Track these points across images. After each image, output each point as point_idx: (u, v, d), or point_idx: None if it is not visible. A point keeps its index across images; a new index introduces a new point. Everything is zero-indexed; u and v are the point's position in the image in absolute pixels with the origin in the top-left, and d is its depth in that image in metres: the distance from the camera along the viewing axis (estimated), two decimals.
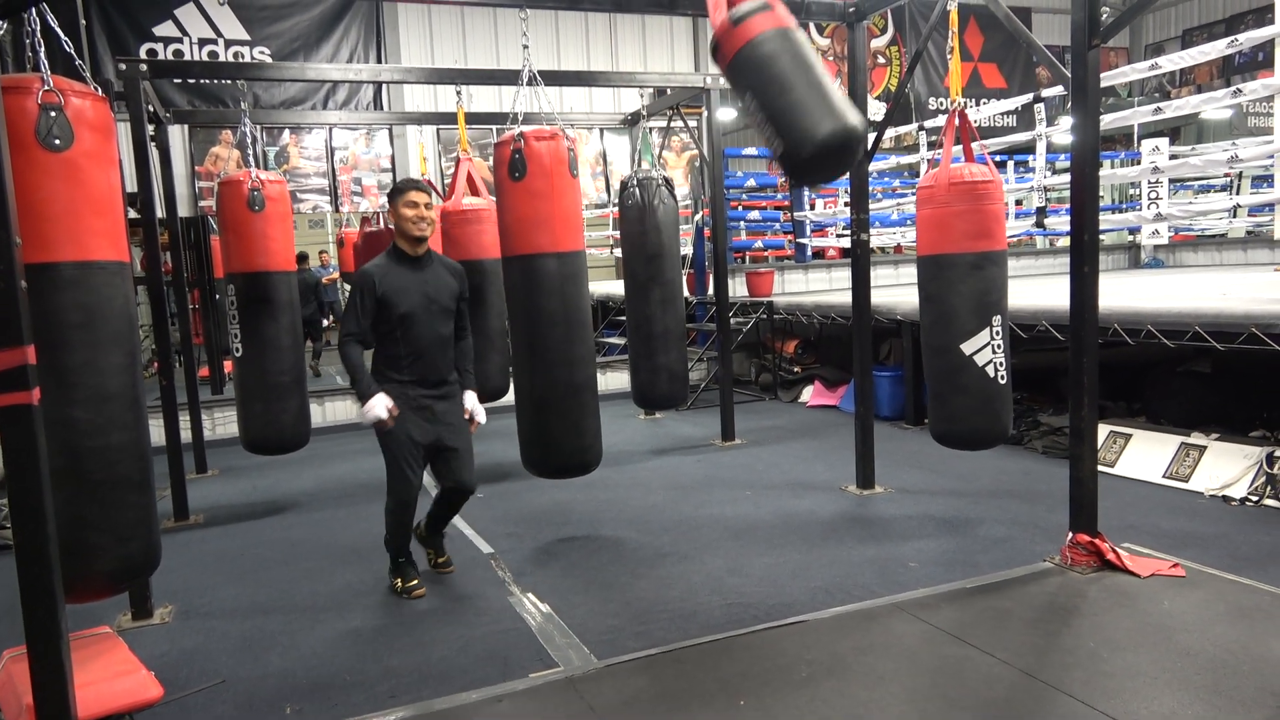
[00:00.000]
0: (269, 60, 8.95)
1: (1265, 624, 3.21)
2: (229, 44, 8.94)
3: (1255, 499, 4.67)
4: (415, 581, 4.03)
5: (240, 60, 8.85)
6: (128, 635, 3.64)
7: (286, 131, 9.18)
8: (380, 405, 3.75)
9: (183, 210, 8.23)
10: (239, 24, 8.96)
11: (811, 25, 12.57)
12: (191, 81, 8.72)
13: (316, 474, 6.59)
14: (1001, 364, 4.17)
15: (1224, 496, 4.79)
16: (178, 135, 8.65)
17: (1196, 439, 5.21)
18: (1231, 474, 4.86)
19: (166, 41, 8.73)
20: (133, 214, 5.70)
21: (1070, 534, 3.90)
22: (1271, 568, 3.78)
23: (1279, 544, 4.10)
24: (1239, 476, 4.82)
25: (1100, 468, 4.29)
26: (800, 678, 3.00)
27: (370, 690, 3.14)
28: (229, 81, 7.85)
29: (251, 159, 5.54)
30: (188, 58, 8.72)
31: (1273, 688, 2.77)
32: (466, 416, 4.04)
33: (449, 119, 6.74)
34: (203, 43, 8.83)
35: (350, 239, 9.61)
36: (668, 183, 6.26)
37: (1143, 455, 5.38)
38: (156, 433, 5.33)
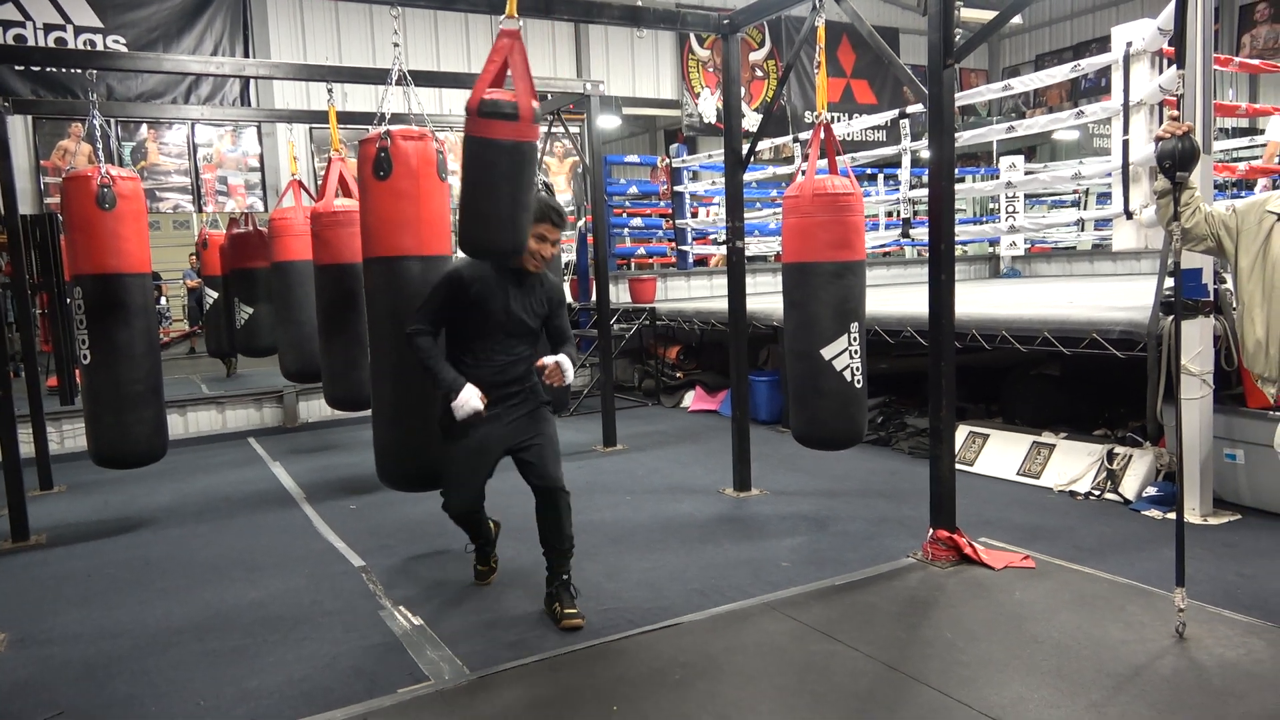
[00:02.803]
0: (124, 50, 8.44)
1: (1104, 610, 3.43)
2: (79, 31, 8.38)
3: (1097, 494, 5.00)
4: (484, 569, 4.09)
5: (91, 49, 8.31)
6: None
7: (144, 126, 8.69)
8: (473, 396, 3.44)
9: (25, 207, 7.67)
10: (90, 10, 8.42)
11: (691, 36, 12.81)
12: (36, 69, 8.14)
13: (175, 488, 6.23)
14: (858, 369, 4.33)
15: (1070, 492, 5.11)
16: (19, 126, 8.06)
17: (1047, 438, 5.54)
18: (1077, 470, 5.19)
19: (6, 25, 8.12)
20: None
21: (931, 530, 4.08)
22: (1110, 557, 4.05)
23: (1117, 535, 4.40)
24: (1083, 473, 5.15)
25: (960, 466, 4.52)
26: (673, 680, 3.02)
27: (226, 715, 2.98)
28: (78, 71, 7.36)
29: (102, 154, 5.20)
30: (31, 44, 8.13)
31: (1108, 669, 2.96)
32: (542, 365, 3.55)
33: (321, 117, 6.52)
34: (49, 28, 8.25)
35: (215, 241, 9.14)
36: (548, 188, 6.24)
37: (999, 454, 5.69)
38: None
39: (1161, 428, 4.94)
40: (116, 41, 8.51)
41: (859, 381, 4.33)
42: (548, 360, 3.56)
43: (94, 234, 4.88)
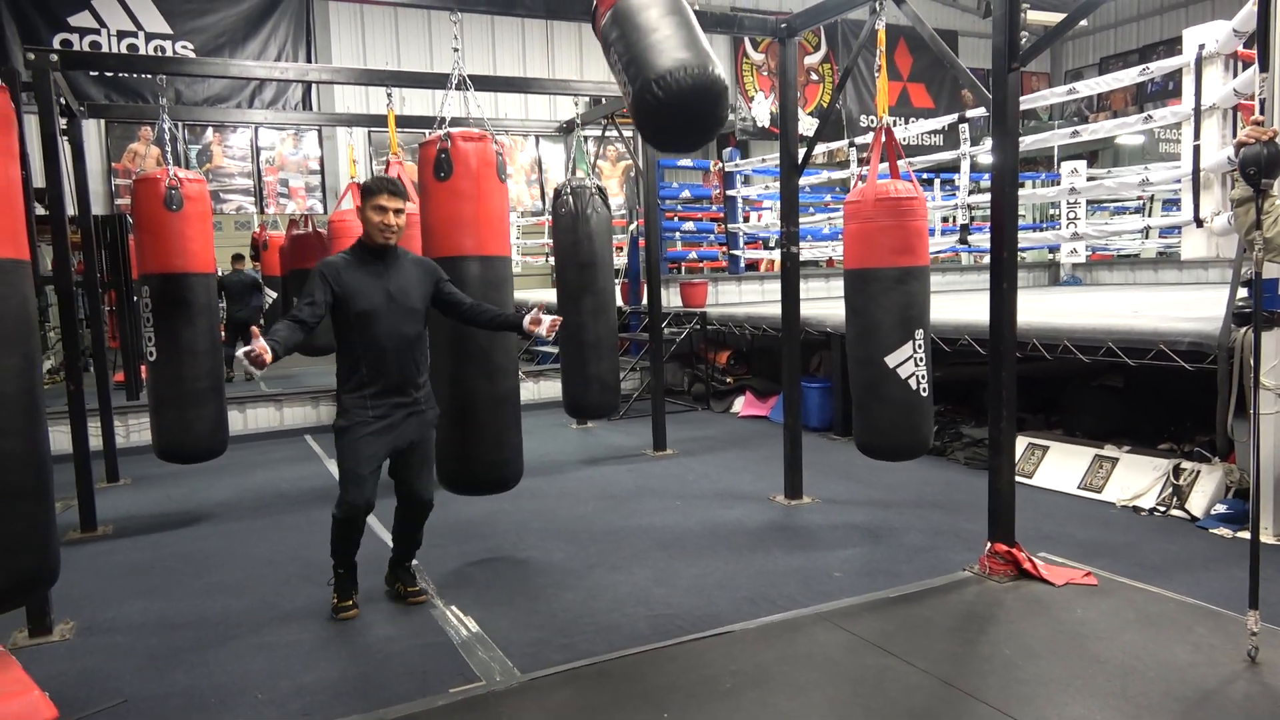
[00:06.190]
0: (192, 55, 8.68)
1: (1170, 631, 3.31)
2: (150, 37, 8.65)
3: (1162, 510, 4.84)
4: (349, 603, 3.80)
5: (161, 55, 8.56)
6: (23, 653, 3.46)
7: (210, 129, 8.92)
8: (250, 350, 3.18)
9: (98, 208, 7.93)
10: (160, 17, 8.69)
11: (746, 40, 12.76)
12: (109, 75, 8.42)
13: (234, 483, 6.38)
14: (923, 376, 4.23)
15: (1134, 507, 4.95)
16: (93, 130, 8.33)
17: (1109, 451, 5.38)
18: (1141, 485, 5.03)
19: (82, 32, 8.41)
20: (41, 211, 5.45)
21: (989, 543, 3.98)
22: (1177, 576, 3.92)
23: (1183, 553, 4.26)
24: (1148, 488, 4.99)
25: (1019, 478, 4.40)
26: (724, 689, 3.00)
27: (282, 708, 3.03)
28: (149, 76, 7.59)
29: (170, 157, 5.36)
30: (105, 50, 8.40)
31: (1176, 693, 2.86)
32: (534, 327, 3.66)
33: (380, 121, 6.63)
34: (121, 35, 8.53)
35: (275, 242, 9.35)
36: (601, 191, 6.25)
37: (1059, 467, 5.54)
38: (64, 439, 5.12)
39: (1231, 443, 4.76)
40: (185, 47, 8.77)
41: (924, 390, 4.24)
42: (542, 318, 3.65)
43: (161, 234, 5.02)
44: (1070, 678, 2.99)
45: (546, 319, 3.67)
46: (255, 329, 3.36)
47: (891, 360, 4.18)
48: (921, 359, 4.21)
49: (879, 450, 4.46)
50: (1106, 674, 3.00)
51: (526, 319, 3.68)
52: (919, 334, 4.22)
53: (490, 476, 4.24)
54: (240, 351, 3.15)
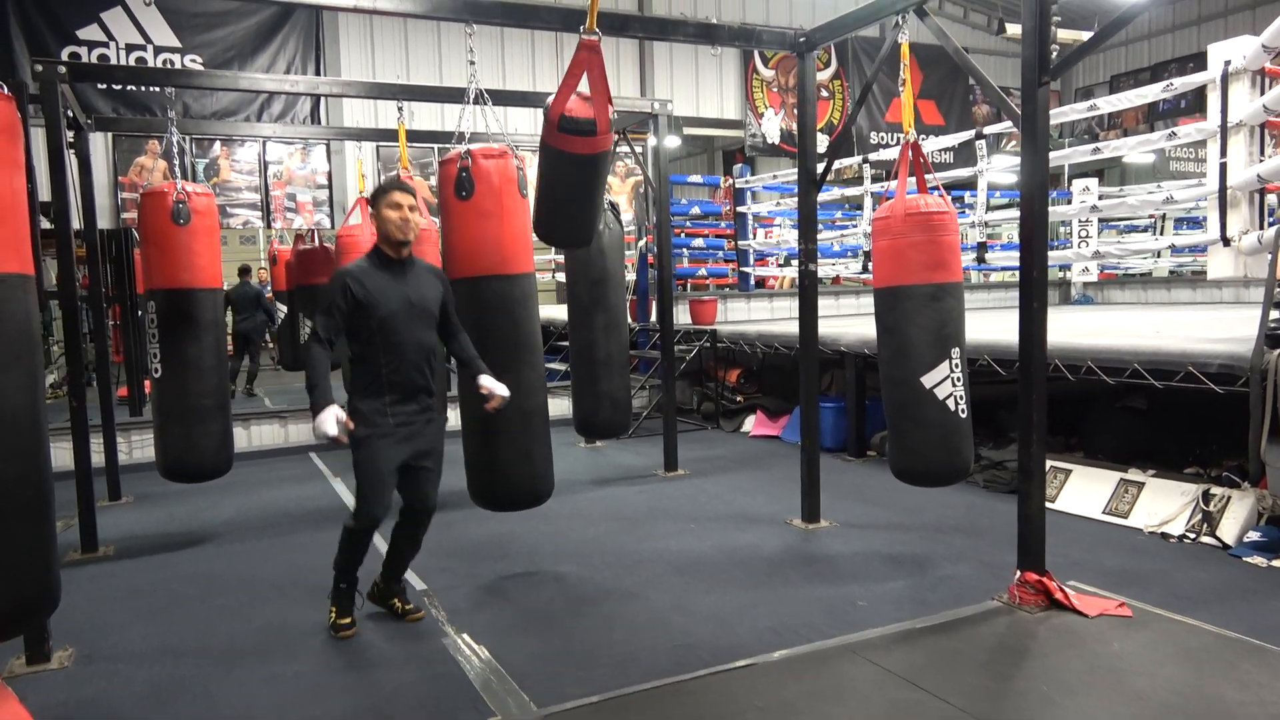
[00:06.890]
0: (200, 69, 8.63)
1: (1213, 666, 3.18)
2: (158, 50, 8.60)
3: (1192, 536, 4.71)
4: (349, 620, 3.77)
5: (169, 67, 8.52)
6: (19, 682, 3.34)
7: (218, 143, 8.86)
8: (331, 421, 3.42)
9: (103, 222, 7.84)
10: (169, 30, 8.64)
11: (756, 55, 12.72)
12: (117, 88, 8.37)
13: (239, 503, 6.26)
14: (961, 397, 4.08)
15: (1163, 533, 4.82)
16: (100, 143, 8.27)
17: (1135, 475, 5.25)
18: (1169, 511, 4.90)
19: (91, 45, 8.36)
20: (46, 224, 5.36)
21: (1018, 572, 3.85)
22: (1213, 606, 3.79)
23: (1217, 582, 4.13)
24: (1176, 514, 4.86)
25: None
26: None
27: None
28: (157, 89, 7.53)
29: (178, 170, 5.27)
30: (114, 63, 8.35)
31: None
32: (486, 392, 3.73)
33: (389, 136, 6.56)
34: (130, 48, 8.48)
35: (283, 256, 9.27)
36: (613, 207, 6.17)
37: (1083, 491, 5.41)
38: (65, 456, 5.01)
39: (1263, 468, 4.63)
40: (194, 60, 8.72)
41: (964, 411, 4.08)
42: (493, 388, 3.73)
43: (168, 249, 4.93)
44: (1111, 716, 2.86)
45: (496, 397, 3.76)
46: (342, 414, 3.47)
47: (928, 381, 4.03)
48: (959, 379, 4.06)
49: (916, 475, 4.28)
50: (1150, 712, 2.88)
51: (483, 388, 3.76)
52: (955, 352, 4.07)
53: (522, 492, 4.18)
54: (332, 433, 3.41)
